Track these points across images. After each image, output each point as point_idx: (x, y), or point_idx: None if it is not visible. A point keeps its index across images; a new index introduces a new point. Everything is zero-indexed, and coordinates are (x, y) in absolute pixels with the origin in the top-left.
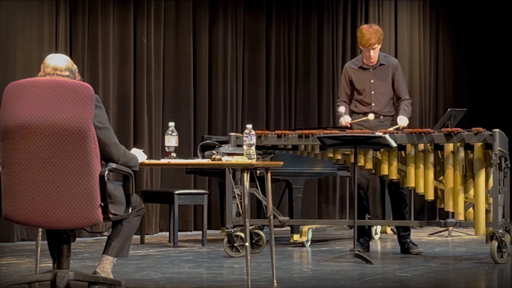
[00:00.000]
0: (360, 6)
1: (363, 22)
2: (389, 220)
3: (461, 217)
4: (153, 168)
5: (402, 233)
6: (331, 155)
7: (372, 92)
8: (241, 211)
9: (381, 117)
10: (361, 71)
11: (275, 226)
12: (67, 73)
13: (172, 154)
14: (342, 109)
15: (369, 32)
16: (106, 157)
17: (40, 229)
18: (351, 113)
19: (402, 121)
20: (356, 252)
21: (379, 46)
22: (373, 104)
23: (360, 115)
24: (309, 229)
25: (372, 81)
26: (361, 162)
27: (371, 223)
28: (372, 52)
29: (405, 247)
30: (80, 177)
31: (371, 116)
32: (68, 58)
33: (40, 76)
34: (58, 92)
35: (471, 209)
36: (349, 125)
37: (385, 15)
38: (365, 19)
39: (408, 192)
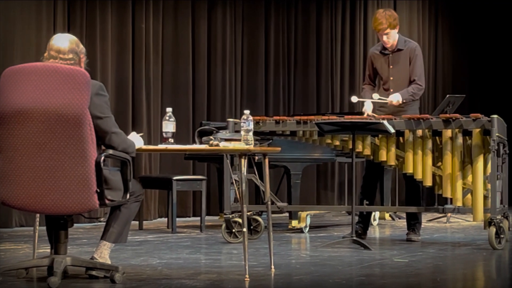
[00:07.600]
0: None
1: (361, 8)
2: (387, 206)
3: (459, 203)
4: (152, 154)
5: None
6: (329, 141)
7: (391, 78)
8: (239, 197)
9: (401, 103)
10: (381, 56)
11: (273, 212)
12: (70, 55)
13: (170, 139)
14: (365, 94)
15: (381, 16)
16: (107, 144)
17: (38, 215)
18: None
19: (392, 97)
20: (354, 238)
21: (394, 31)
22: (391, 90)
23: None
24: (307, 215)
25: (391, 66)
26: (359, 148)
27: (369, 209)
28: (385, 37)
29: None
30: (76, 163)
31: (375, 96)
32: (72, 38)
33: (45, 57)
34: (54, 78)
35: (469, 195)
36: (370, 115)
37: (383, 0)
38: (364, 6)
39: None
